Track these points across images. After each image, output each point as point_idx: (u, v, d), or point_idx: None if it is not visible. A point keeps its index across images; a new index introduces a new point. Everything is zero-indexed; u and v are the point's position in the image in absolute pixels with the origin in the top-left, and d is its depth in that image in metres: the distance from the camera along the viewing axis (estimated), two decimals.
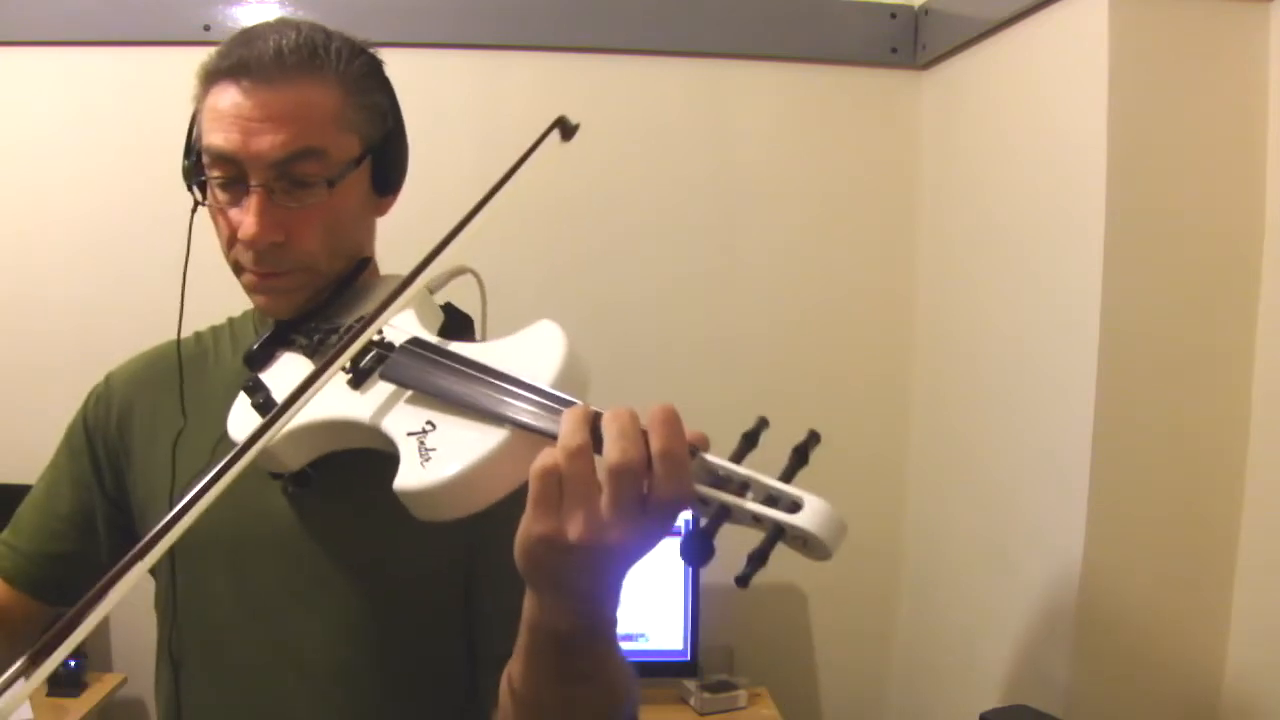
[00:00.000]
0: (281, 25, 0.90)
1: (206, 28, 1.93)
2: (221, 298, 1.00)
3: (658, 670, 1.96)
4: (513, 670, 0.75)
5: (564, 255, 2.06)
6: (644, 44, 2.03)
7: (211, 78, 0.89)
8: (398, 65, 0.97)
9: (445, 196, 2.25)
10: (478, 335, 0.98)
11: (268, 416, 0.74)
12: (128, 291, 1.96)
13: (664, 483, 0.59)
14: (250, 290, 0.94)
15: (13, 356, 2.01)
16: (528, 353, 0.76)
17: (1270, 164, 1.43)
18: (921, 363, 2.10)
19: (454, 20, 1.97)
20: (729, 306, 2.09)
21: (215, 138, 0.87)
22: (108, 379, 1.05)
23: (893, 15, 2.05)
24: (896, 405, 2.13)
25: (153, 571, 0.96)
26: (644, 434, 0.61)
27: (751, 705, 1.95)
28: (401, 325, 0.86)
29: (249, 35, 0.89)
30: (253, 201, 0.86)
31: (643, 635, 1.94)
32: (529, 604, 0.69)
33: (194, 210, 0.92)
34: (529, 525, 0.63)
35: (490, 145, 2.02)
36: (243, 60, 0.87)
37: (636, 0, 2.02)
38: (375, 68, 0.95)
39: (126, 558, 0.65)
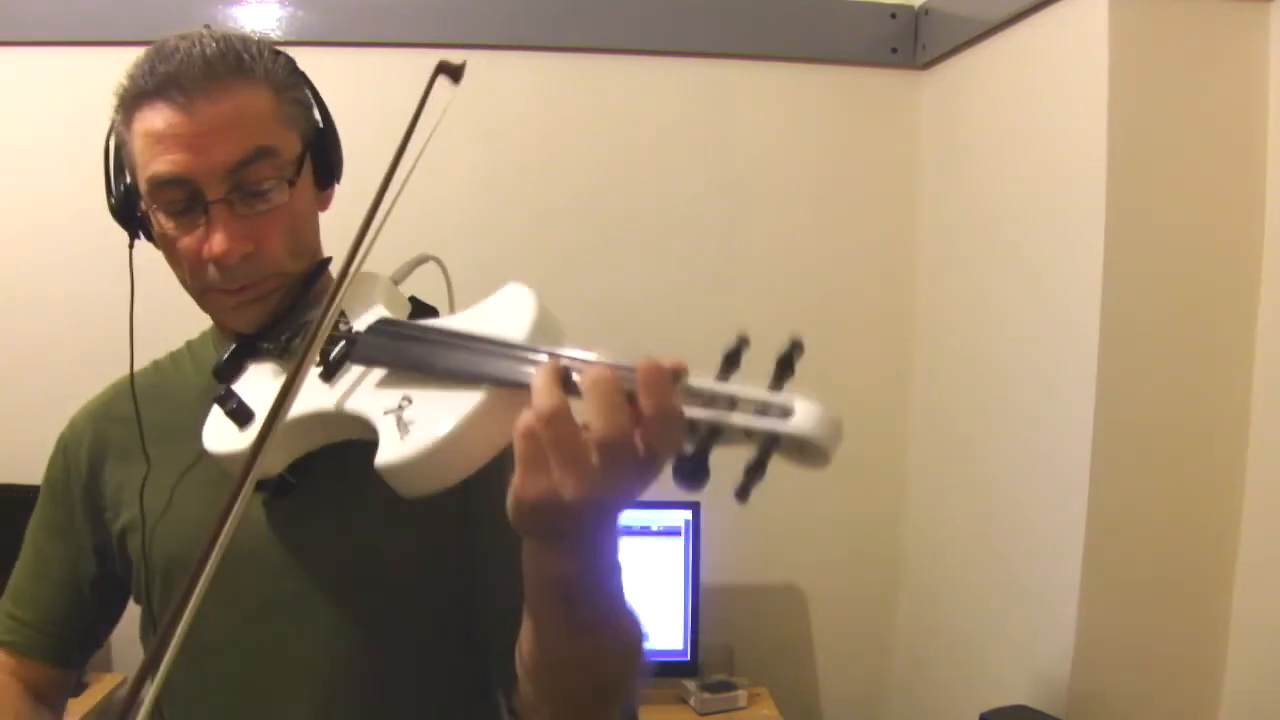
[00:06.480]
0: (193, 36, 0.88)
1: (207, 27, 1.93)
2: (182, 323, 1.02)
3: (658, 670, 1.96)
4: (522, 642, 0.72)
5: (563, 255, 2.06)
6: (644, 44, 2.03)
7: (136, 101, 0.86)
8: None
9: (446, 196, 2.24)
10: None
11: (261, 427, 0.73)
12: (127, 292, 1.95)
13: (656, 438, 0.58)
14: (221, 310, 0.92)
15: (13, 356, 2.01)
16: (497, 314, 0.75)
17: (1270, 164, 1.44)
18: (921, 362, 2.10)
19: (453, 21, 1.97)
20: (729, 306, 2.09)
21: (159, 164, 0.84)
22: (72, 424, 1.04)
23: (893, 15, 2.05)
24: (896, 405, 2.13)
25: (137, 599, 0.97)
26: (628, 394, 0.58)
27: (751, 705, 1.95)
28: (371, 316, 0.85)
29: (163, 52, 0.87)
30: (217, 217, 0.84)
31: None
32: (527, 555, 0.66)
33: (131, 245, 0.91)
34: (521, 487, 0.61)
35: (490, 146, 2.02)
36: (169, 76, 0.84)
37: (636, 0, 2.02)
38: (292, 63, 0.93)
39: (169, 614, 0.68)
